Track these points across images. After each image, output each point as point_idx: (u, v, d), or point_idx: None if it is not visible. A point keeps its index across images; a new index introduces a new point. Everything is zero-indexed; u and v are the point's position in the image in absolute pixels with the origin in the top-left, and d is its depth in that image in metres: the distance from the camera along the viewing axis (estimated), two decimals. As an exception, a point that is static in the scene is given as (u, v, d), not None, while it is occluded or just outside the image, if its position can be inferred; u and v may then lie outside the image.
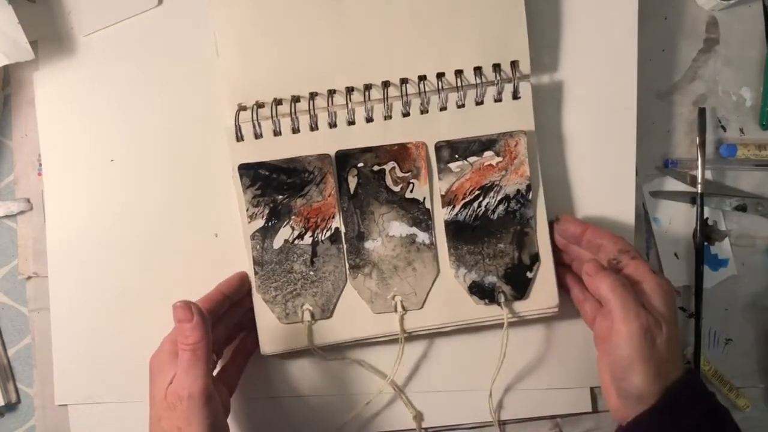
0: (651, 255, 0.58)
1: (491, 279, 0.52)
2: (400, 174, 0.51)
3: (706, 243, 0.57)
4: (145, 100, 0.54)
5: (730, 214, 0.58)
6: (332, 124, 0.51)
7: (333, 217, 0.51)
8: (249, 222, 0.51)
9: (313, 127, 0.51)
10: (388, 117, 0.51)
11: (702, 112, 0.57)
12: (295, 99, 0.51)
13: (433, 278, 0.52)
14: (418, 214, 0.52)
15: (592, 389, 0.56)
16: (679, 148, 0.58)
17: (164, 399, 0.43)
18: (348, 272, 0.52)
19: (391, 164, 0.51)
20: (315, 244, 0.51)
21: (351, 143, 0.51)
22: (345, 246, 0.51)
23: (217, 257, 0.53)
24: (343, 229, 0.51)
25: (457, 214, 0.52)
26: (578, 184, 0.55)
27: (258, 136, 0.51)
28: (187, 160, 0.54)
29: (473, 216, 0.52)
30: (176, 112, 0.54)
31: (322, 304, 0.51)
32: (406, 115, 0.51)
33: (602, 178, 0.55)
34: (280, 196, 0.51)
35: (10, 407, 0.56)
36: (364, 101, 0.51)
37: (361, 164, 0.51)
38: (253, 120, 0.50)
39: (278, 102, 0.51)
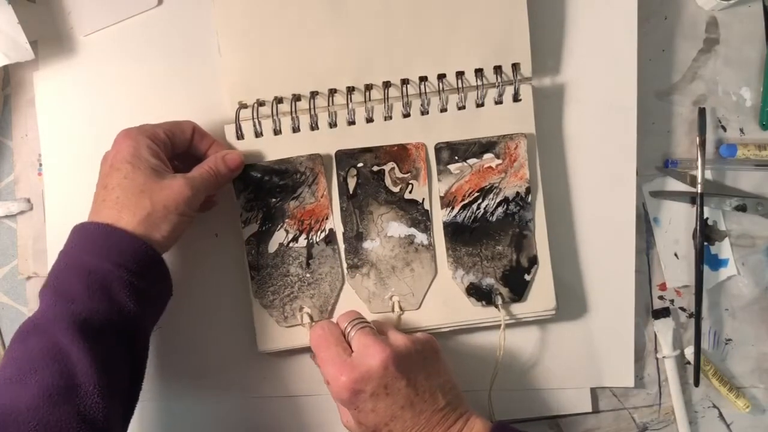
0: (651, 255, 0.58)
1: (489, 281, 0.52)
2: (399, 175, 0.51)
3: (706, 243, 0.57)
4: (145, 100, 0.54)
5: (730, 214, 0.58)
6: (332, 124, 0.51)
7: (326, 219, 0.51)
8: (243, 227, 0.51)
9: (314, 126, 0.51)
10: (388, 117, 0.51)
11: (702, 112, 0.57)
12: (296, 98, 0.51)
13: (430, 279, 0.52)
14: (416, 215, 0.52)
15: (592, 389, 0.56)
16: (679, 148, 0.58)
17: (155, 181, 0.45)
18: (345, 272, 0.52)
19: (391, 165, 0.51)
20: (310, 246, 0.51)
21: (351, 143, 0.51)
22: (343, 246, 0.51)
23: (217, 257, 0.53)
24: (339, 229, 0.52)
25: (455, 216, 0.52)
26: (578, 184, 0.55)
27: (258, 134, 0.51)
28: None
29: (472, 218, 0.52)
30: (176, 112, 0.54)
31: (320, 305, 0.51)
32: (406, 115, 0.51)
33: (602, 178, 0.55)
34: (273, 199, 0.51)
35: (10, 407, 0.56)
36: (365, 101, 0.51)
37: (360, 164, 0.51)
38: (253, 118, 0.50)
39: (279, 100, 0.51)
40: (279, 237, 0.51)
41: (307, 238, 0.51)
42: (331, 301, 0.52)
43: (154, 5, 0.54)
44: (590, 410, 0.56)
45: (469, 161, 0.51)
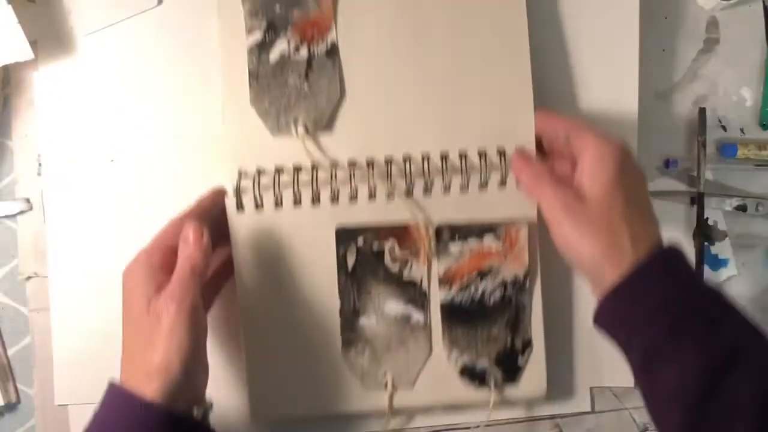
0: (651, 255, 0.58)
1: (483, 363, 0.51)
2: (399, 253, 0.51)
3: (706, 243, 0.57)
4: (145, 100, 0.54)
5: (730, 214, 0.58)
6: (334, 199, 0.50)
7: (329, 30, 0.50)
8: (247, 35, 0.50)
9: (315, 200, 0.50)
10: (390, 195, 0.50)
11: (702, 112, 0.57)
12: (297, 169, 0.50)
13: (425, 358, 0.51)
14: (414, 293, 0.51)
15: (591, 389, 0.56)
16: (679, 148, 0.58)
17: (146, 311, 0.43)
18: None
19: (391, 243, 0.51)
20: (311, 58, 0.50)
21: (352, 219, 0.50)
22: (340, 321, 0.51)
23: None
24: (341, 43, 0.50)
25: (453, 297, 0.51)
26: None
27: (259, 206, 0.50)
28: (187, 159, 0.54)
29: (469, 299, 0.51)
30: (176, 112, 0.54)
31: (315, 118, 0.50)
32: (408, 194, 0.51)
33: (602, 178, 0.55)
34: (278, 5, 0.50)
35: (10, 407, 0.56)
36: (368, 178, 0.50)
37: (361, 241, 0.51)
38: (254, 190, 0.50)
39: (280, 170, 0.50)
40: (281, 46, 0.50)
41: (309, 49, 0.50)
42: (326, 114, 0.50)
43: (154, 5, 0.54)
44: (590, 410, 0.56)
45: (469, 243, 0.51)
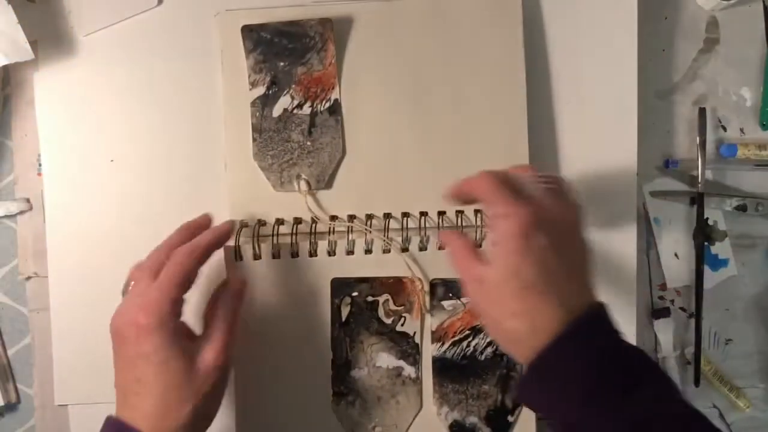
0: (651, 255, 0.58)
1: (473, 420, 0.51)
2: (393, 307, 0.51)
3: (706, 243, 0.57)
4: (145, 100, 0.54)
5: (730, 214, 0.58)
6: (331, 252, 0.51)
7: (332, 88, 0.51)
8: (250, 89, 0.51)
9: (312, 253, 0.51)
10: (386, 251, 0.51)
11: (702, 112, 0.57)
12: (298, 221, 0.51)
13: (415, 413, 0.52)
14: (407, 347, 0.52)
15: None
16: (679, 148, 0.58)
17: (184, 360, 0.42)
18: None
19: (385, 296, 0.51)
20: (314, 114, 0.51)
21: (348, 272, 0.51)
22: (331, 372, 0.51)
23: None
24: (344, 100, 0.51)
25: (445, 352, 0.52)
26: (578, 184, 0.54)
27: (257, 257, 0.50)
28: (186, 160, 0.54)
29: (461, 355, 0.52)
30: (176, 112, 0.54)
31: (317, 174, 0.51)
32: (404, 249, 0.51)
33: (602, 178, 0.55)
34: (282, 63, 0.51)
35: (10, 407, 0.56)
36: (365, 233, 0.51)
37: (355, 293, 0.51)
38: (253, 242, 0.50)
39: (281, 222, 0.51)
40: (284, 102, 0.51)
41: (312, 106, 0.51)
42: (328, 171, 0.51)
43: (154, 5, 0.54)
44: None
45: (462, 299, 0.51)
